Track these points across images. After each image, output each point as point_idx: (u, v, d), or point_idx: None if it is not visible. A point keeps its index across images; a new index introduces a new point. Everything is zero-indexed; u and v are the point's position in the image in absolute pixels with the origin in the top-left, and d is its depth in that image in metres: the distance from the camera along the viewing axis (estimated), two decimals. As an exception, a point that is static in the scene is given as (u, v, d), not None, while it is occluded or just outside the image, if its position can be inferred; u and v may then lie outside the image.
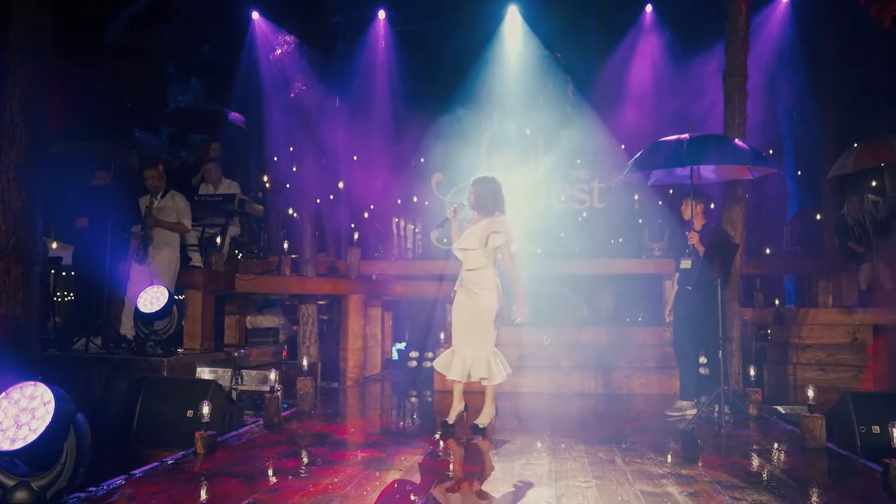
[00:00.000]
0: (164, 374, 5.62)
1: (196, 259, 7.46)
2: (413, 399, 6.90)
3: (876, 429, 4.30)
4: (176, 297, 6.44)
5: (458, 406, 4.93)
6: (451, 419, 4.86)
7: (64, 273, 7.93)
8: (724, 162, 5.32)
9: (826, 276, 8.88)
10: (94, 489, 3.23)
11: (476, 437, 4.68)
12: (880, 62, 10.02)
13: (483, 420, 4.84)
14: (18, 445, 2.84)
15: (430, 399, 6.81)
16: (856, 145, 9.20)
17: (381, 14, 11.62)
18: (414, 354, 8.86)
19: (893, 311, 7.29)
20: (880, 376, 7.00)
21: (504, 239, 4.71)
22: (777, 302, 8.61)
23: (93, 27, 10.12)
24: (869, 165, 8.51)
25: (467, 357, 4.77)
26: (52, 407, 2.87)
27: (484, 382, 4.80)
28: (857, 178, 9.09)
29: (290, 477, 3.61)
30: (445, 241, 10.08)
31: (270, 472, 3.72)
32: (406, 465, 3.87)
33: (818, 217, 10.15)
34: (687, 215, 5.51)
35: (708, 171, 5.69)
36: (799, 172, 11.66)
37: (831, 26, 9.96)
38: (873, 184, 9.15)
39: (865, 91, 10.23)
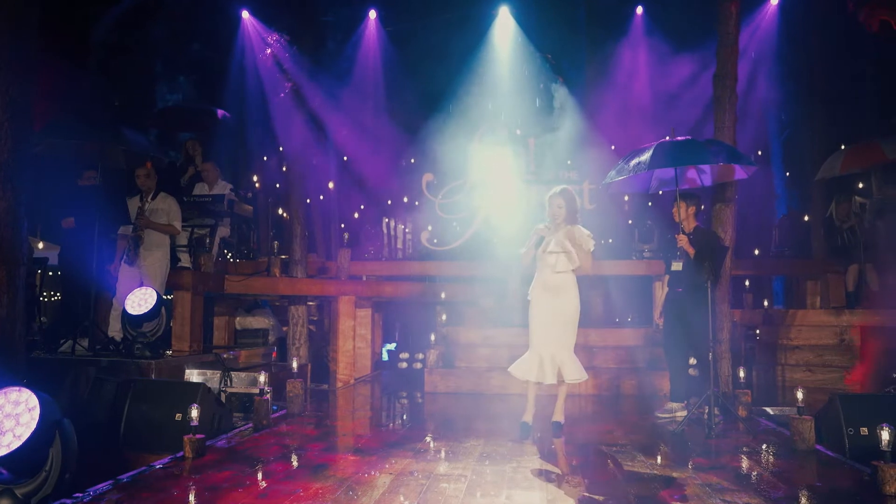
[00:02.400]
0: (153, 376, 5.57)
1: (185, 260, 7.41)
2: (404, 401, 6.88)
3: (864, 430, 4.33)
4: (165, 297, 6.38)
5: (532, 408, 4.99)
6: (529, 420, 4.93)
7: (51, 273, 7.85)
8: (692, 162, 5.33)
9: (814, 278, 8.93)
10: (80, 495, 3.19)
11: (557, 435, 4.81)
12: (867, 66, 10.11)
13: (561, 417, 4.96)
14: (2, 452, 2.80)
15: (420, 400, 6.79)
16: (843, 147, 9.29)
17: (372, 14, 11.58)
18: (404, 356, 8.84)
19: (880, 312, 7.36)
20: (867, 377, 7.07)
21: (593, 243, 4.94)
22: (766, 303, 8.66)
23: (80, 24, 10.00)
24: (857, 168, 8.60)
25: (555, 358, 4.85)
26: (37, 413, 2.82)
27: (574, 381, 4.91)
28: (845, 180, 9.16)
29: (280, 481, 3.58)
30: (436, 241, 10.08)
31: (260, 476, 3.68)
32: (397, 469, 3.86)
33: (806, 219, 10.22)
34: (678, 217, 5.52)
35: (703, 175, 5.70)
36: (787, 174, 11.74)
37: (819, 30, 10.02)
38: (860, 186, 9.22)
39: (853, 94, 10.31)
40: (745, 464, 4.12)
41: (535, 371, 4.87)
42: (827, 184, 9.41)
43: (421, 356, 8.59)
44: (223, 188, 8.07)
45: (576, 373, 4.85)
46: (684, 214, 5.49)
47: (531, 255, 5.03)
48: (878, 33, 5.88)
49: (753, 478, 3.76)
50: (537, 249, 5.01)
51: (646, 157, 5.04)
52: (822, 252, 9.17)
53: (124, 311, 5.80)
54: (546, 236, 4.97)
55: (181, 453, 4.01)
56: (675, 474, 3.78)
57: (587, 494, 3.40)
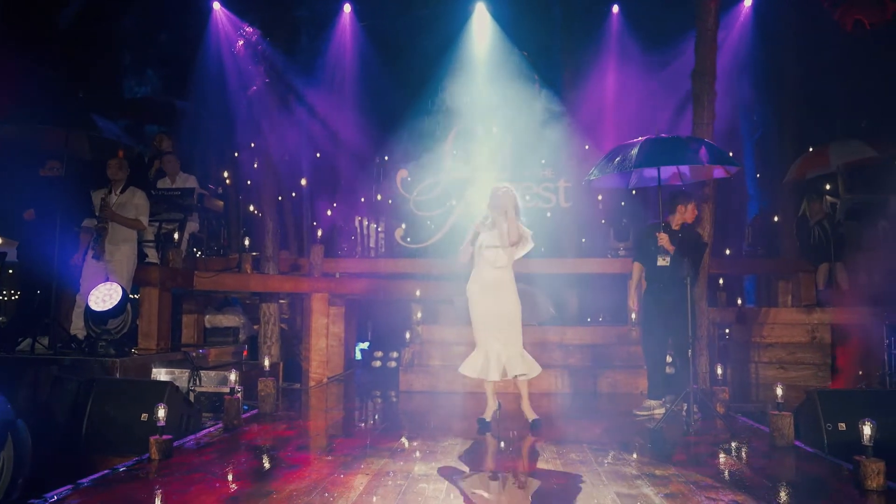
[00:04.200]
0: (117, 375, 5.35)
1: (152, 255, 7.16)
2: (378, 400, 6.75)
3: (842, 426, 4.34)
4: (131, 295, 6.15)
5: (493, 404, 5.06)
6: (487, 417, 4.95)
7: (10, 271, 7.55)
8: (677, 163, 5.31)
9: (786, 277, 9.03)
10: (37, 501, 3.00)
11: (536, 433, 4.79)
12: (836, 69, 10.27)
13: (533, 414, 4.96)
14: (-50, 455, 2.61)
15: (394, 399, 6.66)
16: (811, 150, 9.44)
17: (347, 8, 11.40)
18: (378, 354, 8.70)
19: (850, 310, 7.46)
20: (841, 373, 7.16)
21: (529, 239, 4.92)
22: (739, 301, 8.72)
23: (43, 12, 9.66)
24: (808, 174, 8.81)
25: (501, 355, 4.85)
26: (-12, 413, 2.64)
27: (522, 378, 4.90)
28: (814, 181, 9.31)
29: (252, 482, 3.44)
30: (410, 239, 9.96)
31: (230, 478, 3.53)
32: (374, 469, 3.73)
33: (776, 219, 10.35)
34: (689, 219, 5.49)
35: (683, 172, 5.68)
36: (758, 175, 11.87)
37: (791, 33, 10.15)
38: (827, 187, 9.37)
39: (822, 96, 10.48)
40: (726, 460, 4.09)
41: (493, 370, 4.86)
42: (796, 184, 9.54)
43: (395, 354, 8.46)
44: (185, 181, 7.82)
45: (521, 368, 4.86)
46: (693, 214, 5.48)
47: (470, 253, 4.99)
48: (851, 32, 5.93)
49: (736, 474, 3.72)
50: (475, 246, 4.97)
51: (632, 153, 4.98)
52: (792, 251, 9.28)
53: (87, 308, 5.57)
54: (482, 232, 4.94)
55: (147, 455, 3.83)
56: (657, 472, 3.72)
57: (569, 493, 3.32)
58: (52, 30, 10.18)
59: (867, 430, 3.40)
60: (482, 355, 4.90)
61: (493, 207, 4.94)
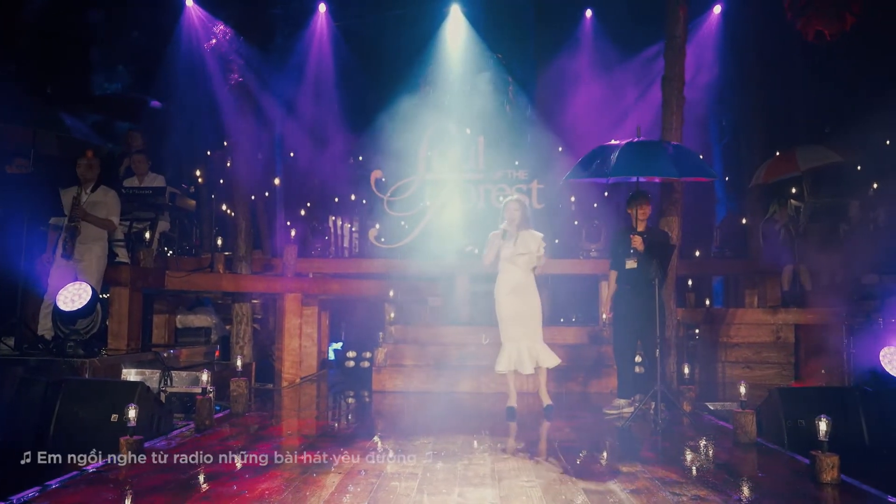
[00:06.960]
0: (87, 376, 5.28)
1: (122, 255, 7.05)
2: (351, 400, 6.76)
3: (801, 422, 4.48)
4: (101, 295, 6.07)
5: (515, 393, 5.57)
6: (514, 404, 5.50)
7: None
8: (656, 174, 5.42)
9: (752, 278, 9.25)
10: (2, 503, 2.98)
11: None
12: (799, 77, 10.54)
13: (549, 399, 5.55)
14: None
15: (368, 399, 6.69)
16: (778, 154, 9.68)
17: (322, 7, 11.37)
18: (351, 354, 8.68)
19: (813, 310, 7.69)
20: (804, 371, 7.37)
21: (545, 246, 5.52)
22: (707, 302, 8.90)
23: (8, 5, 9.46)
24: (778, 177, 9.06)
25: (531, 350, 5.39)
26: (-44, 413, 2.61)
27: (549, 367, 5.46)
28: (779, 185, 9.55)
29: (224, 483, 3.44)
30: (384, 239, 9.97)
31: (202, 479, 3.53)
32: (346, 468, 3.76)
33: (744, 221, 10.58)
34: (641, 218, 5.61)
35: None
36: (726, 178, 12.12)
37: (758, 40, 10.38)
38: (793, 190, 9.62)
39: (787, 103, 10.74)
40: (691, 457, 4.20)
41: (514, 361, 5.37)
42: (764, 188, 9.78)
43: (368, 355, 8.45)
44: (153, 180, 7.74)
45: (551, 359, 5.41)
46: (645, 216, 5.60)
47: (493, 258, 5.44)
48: (813, 42, 6.13)
49: (700, 470, 3.83)
50: (502, 252, 5.39)
51: (611, 158, 5.07)
52: (759, 253, 9.50)
53: (56, 308, 5.48)
54: (505, 243, 5.38)
55: (117, 456, 3.80)
56: (624, 468, 3.81)
57: (539, 490, 3.38)
58: (17, 23, 9.96)
59: (822, 426, 3.52)
60: (515, 351, 5.38)
61: (507, 220, 5.39)
